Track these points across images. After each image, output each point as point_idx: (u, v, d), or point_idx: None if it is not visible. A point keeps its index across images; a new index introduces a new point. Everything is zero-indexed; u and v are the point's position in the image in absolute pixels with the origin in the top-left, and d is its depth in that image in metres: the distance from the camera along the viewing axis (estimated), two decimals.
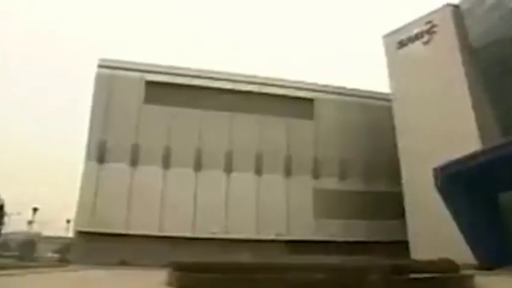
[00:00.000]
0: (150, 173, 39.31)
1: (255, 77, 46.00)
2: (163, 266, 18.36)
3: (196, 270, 12.92)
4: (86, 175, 38.51)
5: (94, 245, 35.11)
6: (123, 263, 34.43)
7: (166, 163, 40.24)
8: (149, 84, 42.31)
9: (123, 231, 36.46)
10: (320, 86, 47.98)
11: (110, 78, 41.65)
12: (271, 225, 40.16)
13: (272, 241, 39.49)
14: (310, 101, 46.95)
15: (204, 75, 44.22)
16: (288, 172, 43.28)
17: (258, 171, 42.44)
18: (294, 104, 46.09)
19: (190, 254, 29.94)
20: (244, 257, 33.46)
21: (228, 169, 41.62)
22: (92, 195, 37.55)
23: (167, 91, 42.37)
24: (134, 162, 39.58)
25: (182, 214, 38.32)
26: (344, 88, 48.77)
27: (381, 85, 47.38)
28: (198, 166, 40.89)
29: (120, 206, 37.39)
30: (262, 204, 40.99)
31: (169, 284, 14.14)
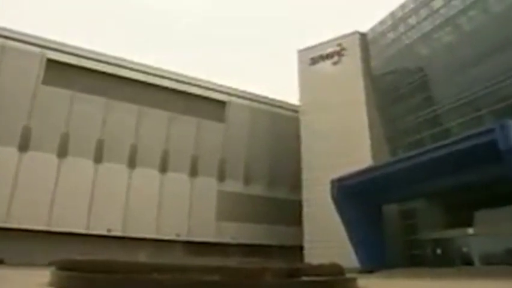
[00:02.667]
0: (42, 161, 35.37)
1: (169, 72, 44.77)
2: (48, 265, 16.72)
3: (83, 270, 11.95)
4: None
5: None
6: (0, 262, 30.34)
7: (62, 151, 36.65)
8: (51, 63, 38.22)
9: (2, 225, 32.13)
10: (233, 89, 48.61)
11: (2, 49, 36.56)
12: (172, 225, 39.24)
13: (171, 241, 38.62)
14: (222, 103, 47.26)
15: (115, 62, 41.59)
16: (193, 172, 42.80)
17: (163, 168, 41.20)
18: (206, 105, 45.93)
19: (82, 252, 27.67)
20: (141, 257, 32.09)
21: (132, 164, 39.62)
22: None
23: (72, 73, 38.80)
24: (24, 147, 35.26)
25: (76, 208, 35.28)
26: (256, 95, 50.14)
27: (291, 96, 50.17)
28: (98, 157, 38.12)
29: (1, 195, 32.97)
30: (164, 202, 39.84)
31: (51, 284, 12.89)
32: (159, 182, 40.58)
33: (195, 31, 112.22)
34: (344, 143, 38.52)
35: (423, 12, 35.79)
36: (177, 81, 44.75)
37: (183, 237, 39.58)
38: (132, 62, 42.80)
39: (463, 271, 25.76)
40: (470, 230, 28.28)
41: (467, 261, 28.60)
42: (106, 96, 39.85)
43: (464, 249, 29.74)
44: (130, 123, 40.54)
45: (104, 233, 35.67)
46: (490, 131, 21.33)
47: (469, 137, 23.00)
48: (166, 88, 43.76)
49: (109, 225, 36.18)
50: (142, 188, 39.01)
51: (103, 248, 32.99)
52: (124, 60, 42.42)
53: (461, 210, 29.66)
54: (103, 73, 40.51)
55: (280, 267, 12.89)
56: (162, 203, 39.80)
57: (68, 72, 38.64)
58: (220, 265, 12.26)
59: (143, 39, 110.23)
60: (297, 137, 43.62)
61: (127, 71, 41.90)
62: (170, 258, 30.88)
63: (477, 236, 28.16)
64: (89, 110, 38.65)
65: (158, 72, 43.93)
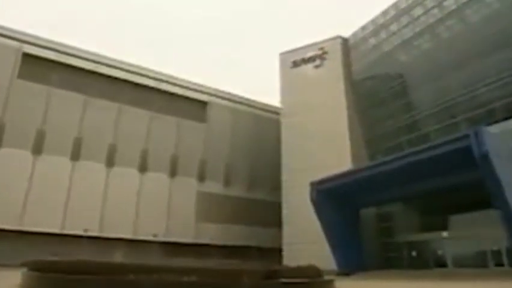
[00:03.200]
0: (15, 157, 34.18)
1: (150, 70, 44.18)
2: (20, 266, 16.23)
3: (56, 271, 11.61)
4: None
5: None
6: None
7: (37, 148, 35.59)
8: (28, 57, 37.13)
9: None
10: (215, 90, 48.37)
11: None
12: (151, 225, 38.67)
13: (149, 242, 38.06)
14: (204, 103, 46.98)
15: (94, 58, 40.71)
16: (173, 172, 42.34)
17: (143, 168, 40.59)
18: (187, 104, 45.56)
19: (57, 253, 26.95)
20: (117, 258, 31.54)
21: (110, 163, 38.85)
22: None
23: (49, 69, 37.78)
24: None
25: (51, 207, 34.27)
26: (238, 96, 50.05)
27: (273, 98, 50.28)
28: (75, 155, 37.20)
29: None
30: (143, 202, 39.21)
31: (22, 286, 12.49)
32: (138, 181, 39.94)
33: (187, 31, 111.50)
34: (324, 146, 38.85)
35: (404, 20, 36.56)
36: (158, 80, 44.25)
37: (161, 238, 39.07)
38: (112, 59, 42.03)
39: (436, 273, 26.38)
40: (445, 233, 29.02)
41: (441, 264, 29.31)
42: (84, 93, 39.00)
43: (439, 252, 30.48)
44: (109, 121, 39.79)
45: (80, 233, 34.84)
46: (465, 137, 21.94)
47: (445, 143, 23.57)
48: (146, 86, 43.17)
49: (85, 225, 35.35)
50: (120, 187, 38.30)
51: (79, 248, 32.23)
52: (104, 57, 41.62)
53: (436, 214, 30.41)
54: (82, 69, 39.64)
55: (257, 269, 12.88)
56: (141, 202, 39.18)
57: (45, 67, 37.66)
58: (197, 266, 12.17)
59: (134, 38, 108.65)
60: (278, 139, 43.75)
61: (106, 67, 41.11)
62: (148, 259, 30.55)
63: (451, 239, 28.92)
64: (66, 106, 37.75)
65: (138, 70, 43.31)
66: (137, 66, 43.50)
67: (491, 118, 27.00)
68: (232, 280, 11.23)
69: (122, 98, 41.11)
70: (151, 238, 38.32)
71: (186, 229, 40.85)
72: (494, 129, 24.38)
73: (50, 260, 12.76)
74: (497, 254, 25.91)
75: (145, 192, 39.80)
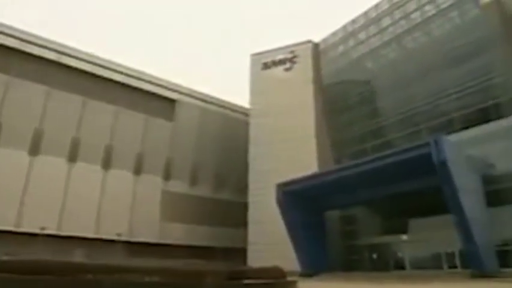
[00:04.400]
0: None
1: (118, 65, 43.02)
2: None
3: (10, 271, 11.02)
4: None
5: None
6: None
7: None
8: None
9: None
10: (184, 88, 47.81)
11: None
12: (113, 224, 37.55)
13: (112, 241, 36.97)
14: (172, 101, 46.33)
15: (58, 48, 38.93)
16: (138, 170, 41.41)
17: (106, 164, 39.41)
18: (155, 101, 44.75)
19: (12, 252, 25.68)
20: (77, 257, 30.49)
21: (72, 158, 37.41)
22: None
23: (9, 57, 35.67)
24: None
25: (6, 204, 32.40)
26: (207, 95, 49.73)
27: (242, 99, 50.27)
28: (34, 149, 35.50)
29: None
30: (105, 200, 38.04)
31: None
32: (101, 178, 38.73)
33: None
34: (291, 149, 39.29)
35: (373, 29, 37.68)
36: (126, 74, 43.13)
37: (124, 237, 38.05)
38: (77, 51, 40.47)
39: (395, 275, 27.30)
40: (404, 237, 30.10)
41: (400, 266, 30.36)
42: (47, 84, 37.29)
43: (399, 254, 31.55)
44: (73, 114, 38.31)
45: (37, 231, 33.24)
46: (426, 144, 22.87)
47: (407, 150, 24.47)
48: (113, 81, 41.94)
49: (42, 223, 33.73)
50: (82, 183, 36.90)
51: (35, 247, 30.81)
52: (68, 47, 39.97)
53: (397, 217, 31.47)
54: (44, 59, 37.84)
55: (221, 269, 12.85)
56: (103, 200, 37.99)
57: (5, 55, 35.70)
58: (160, 266, 11.97)
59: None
60: (246, 140, 43.79)
61: (70, 59, 39.52)
62: (110, 259, 29.66)
63: (409, 242, 30.02)
64: (27, 97, 35.89)
65: (106, 64, 42.02)
66: (105, 60, 42.20)
67: (451, 127, 28.34)
68: (195, 280, 11.14)
69: (88, 91, 39.70)
70: (113, 237, 37.21)
71: (150, 229, 40.04)
72: (453, 138, 25.60)
73: (3, 260, 12.12)
74: (451, 256, 27.15)
75: (109, 189, 38.65)
